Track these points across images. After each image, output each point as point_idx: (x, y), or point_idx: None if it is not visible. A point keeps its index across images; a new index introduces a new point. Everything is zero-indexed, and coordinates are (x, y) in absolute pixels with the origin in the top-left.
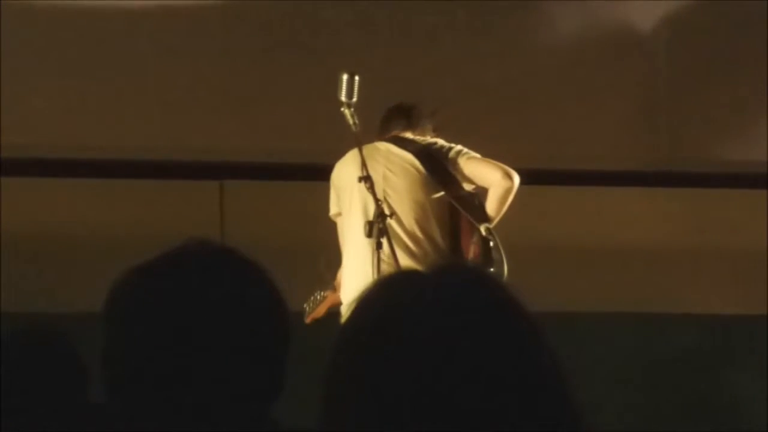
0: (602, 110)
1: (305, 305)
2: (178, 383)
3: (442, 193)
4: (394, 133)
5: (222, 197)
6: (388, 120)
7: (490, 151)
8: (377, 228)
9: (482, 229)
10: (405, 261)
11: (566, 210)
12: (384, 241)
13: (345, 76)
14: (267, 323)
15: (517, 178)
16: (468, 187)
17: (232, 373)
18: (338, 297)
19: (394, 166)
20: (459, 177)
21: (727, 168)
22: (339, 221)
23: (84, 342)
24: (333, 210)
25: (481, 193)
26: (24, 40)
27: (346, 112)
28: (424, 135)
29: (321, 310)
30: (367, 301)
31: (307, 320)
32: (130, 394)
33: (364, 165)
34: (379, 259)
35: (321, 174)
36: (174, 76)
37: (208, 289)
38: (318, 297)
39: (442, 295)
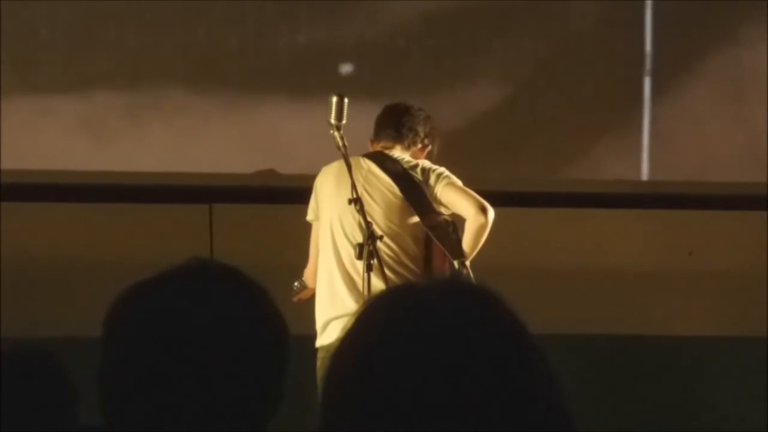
0: (583, 129)
1: (295, 284)
2: (177, 403)
3: (417, 219)
4: (383, 144)
5: (211, 220)
6: (381, 125)
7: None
8: (367, 250)
9: (456, 263)
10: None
11: (553, 232)
12: (374, 263)
13: (334, 99)
14: (268, 343)
15: (491, 214)
16: (445, 211)
17: (231, 392)
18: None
19: (372, 188)
20: (436, 204)
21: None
22: (315, 225)
23: (76, 365)
24: (310, 216)
25: (458, 219)
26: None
27: (336, 134)
28: (414, 144)
29: (307, 294)
30: (367, 314)
31: (294, 299)
32: (127, 414)
33: (354, 188)
34: (369, 280)
35: (308, 197)
36: (166, 100)
37: (210, 308)
38: (300, 284)
39: (443, 310)
